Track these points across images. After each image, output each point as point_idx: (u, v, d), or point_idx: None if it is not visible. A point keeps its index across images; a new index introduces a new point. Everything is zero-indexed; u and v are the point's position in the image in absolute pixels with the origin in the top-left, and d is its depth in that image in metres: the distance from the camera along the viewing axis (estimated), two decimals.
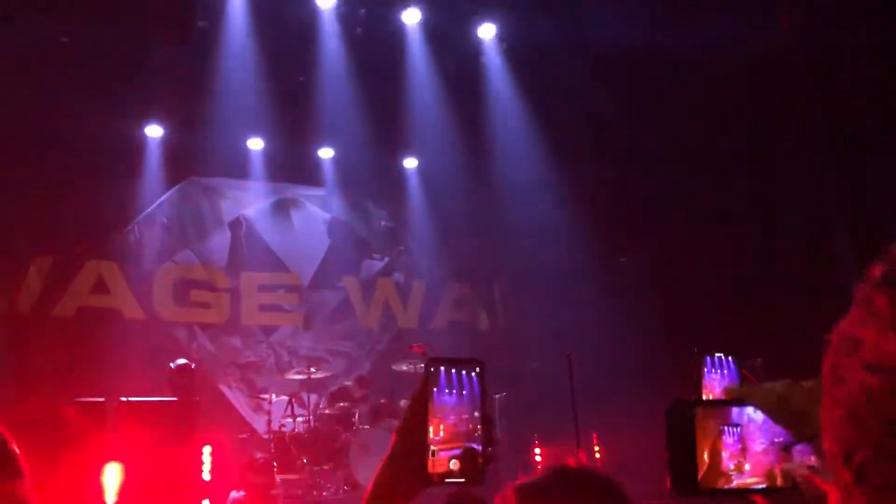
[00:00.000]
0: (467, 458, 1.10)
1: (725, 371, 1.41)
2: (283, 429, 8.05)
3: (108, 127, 8.55)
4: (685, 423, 1.03)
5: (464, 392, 1.13)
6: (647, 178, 8.49)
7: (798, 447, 1.03)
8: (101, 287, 9.03)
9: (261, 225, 10.18)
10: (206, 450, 6.69)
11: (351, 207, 10.75)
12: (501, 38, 8.66)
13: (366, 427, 7.86)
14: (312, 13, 8.27)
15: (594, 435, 7.95)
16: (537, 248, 9.26)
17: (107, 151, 8.70)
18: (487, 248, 10.24)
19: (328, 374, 8.96)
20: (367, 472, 7.41)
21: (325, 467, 7.75)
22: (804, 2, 6.84)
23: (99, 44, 7.71)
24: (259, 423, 8.86)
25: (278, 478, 7.50)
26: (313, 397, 9.04)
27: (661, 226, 8.43)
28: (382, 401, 8.25)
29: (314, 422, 8.08)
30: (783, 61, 7.12)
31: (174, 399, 6.91)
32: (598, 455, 8.04)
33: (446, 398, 1.13)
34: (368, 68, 8.60)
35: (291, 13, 8.26)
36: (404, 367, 8.36)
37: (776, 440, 1.06)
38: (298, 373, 8.53)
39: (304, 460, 7.74)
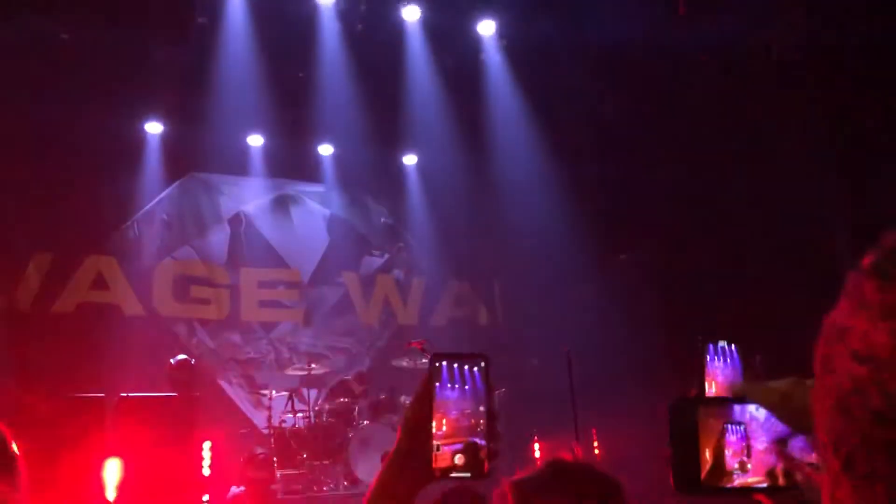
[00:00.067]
0: (470, 452, 1.11)
1: (729, 360, 1.40)
2: (283, 424, 8.06)
3: (108, 123, 8.54)
4: (688, 421, 1.03)
5: (466, 387, 1.14)
6: (646, 176, 8.49)
7: (799, 445, 1.03)
8: (100, 283, 9.03)
9: (260, 221, 10.18)
10: (206, 445, 6.71)
11: (351, 204, 10.75)
12: (501, 34, 8.65)
13: (366, 423, 7.87)
14: (312, 9, 8.25)
15: (594, 431, 7.96)
16: (537, 245, 9.26)
17: (106, 148, 8.69)
18: (487, 245, 10.24)
19: (328, 370, 8.97)
20: (367, 467, 7.42)
21: (325, 463, 7.77)
22: (804, 2, 6.84)
23: (99, 40, 7.69)
24: (259, 419, 8.88)
25: (278, 473, 7.52)
26: (313, 393, 9.06)
27: (660, 224, 8.43)
28: (382, 397, 8.27)
29: (314, 417, 8.10)
30: (783, 61, 7.12)
31: (174, 395, 6.92)
32: (597, 451, 8.06)
33: (448, 393, 1.13)
34: (368, 65, 8.59)
35: (291, 9, 8.25)
36: (404, 364, 8.38)
37: (778, 438, 1.06)
38: (298, 369, 8.55)
39: (304, 456, 7.75)
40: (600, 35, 7.46)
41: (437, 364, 1.14)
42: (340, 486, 7.56)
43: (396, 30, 8.43)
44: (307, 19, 8.24)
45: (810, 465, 1.02)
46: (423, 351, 7.74)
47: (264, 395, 8.33)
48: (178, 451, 6.47)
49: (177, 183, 9.73)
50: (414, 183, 10.78)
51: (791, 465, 1.04)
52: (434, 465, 1.10)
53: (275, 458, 7.52)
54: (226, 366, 9.59)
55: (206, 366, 9.14)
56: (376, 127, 9.15)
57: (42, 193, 8.38)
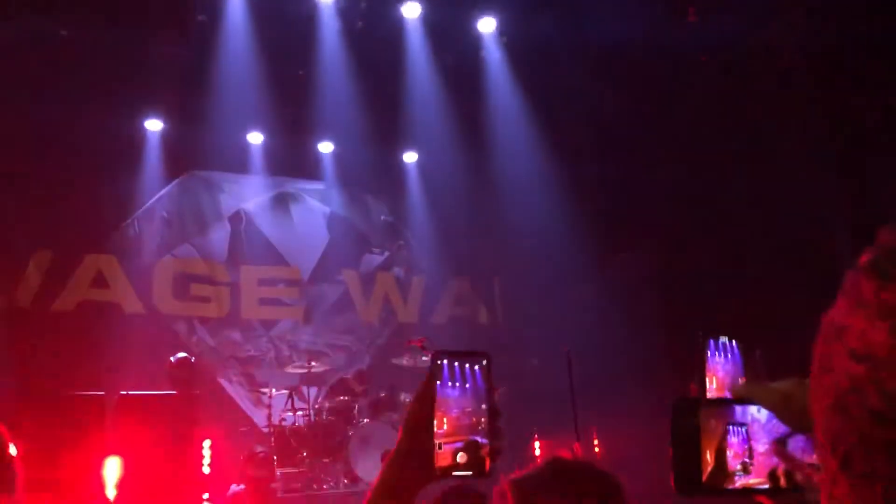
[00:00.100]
0: (471, 451, 1.11)
1: (729, 356, 1.40)
2: (283, 422, 8.07)
3: (108, 121, 8.53)
4: (689, 422, 1.03)
5: (467, 385, 1.13)
6: (646, 176, 8.49)
7: (799, 445, 1.03)
8: (100, 281, 9.02)
9: (260, 219, 10.18)
10: (207, 443, 6.71)
11: (351, 202, 10.75)
12: (501, 32, 8.64)
13: (366, 421, 7.87)
14: (312, 7, 8.24)
15: (594, 430, 7.97)
16: (537, 244, 9.26)
17: (106, 146, 8.68)
18: (487, 243, 10.24)
19: (328, 368, 8.98)
20: (367, 465, 7.43)
21: (325, 461, 7.78)
22: (804, 2, 6.83)
23: (99, 38, 7.69)
24: (259, 417, 8.88)
25: (278, 471, 7.52)
26: (313, 391, 9.07)
27: (660, 223, 8.43)
28: (382, 395, 8.27)
29: (314, 415, 8.10)
30: (783, 61, 7.11)
31: (174, 393, 6.92)
32: (597, 450, 8.07)
33: (449, 391, 1.13)
34: (368, 63, 8.58)
35: (291, 7, 8.23)
36: (404, 362, 8.38)
37: (777, 437, 1.05)
38: (298, 367, 8.55)
39: (304, 454, 7.76)
40: (601, 33, 7.45)
41: (439, 362, 1.14)
42: (340, 485, 7.57)
43: (396, 27, 8.42)
44: (307, 17, 8.23)
45: (810, 465, 1.02)
46: (422, 349, 7.74)
47: (264, 394, 8.34)
48: (178, 450, 6.48)
49: (177, 181, 9.73)
50: (414, 181, 10.78)
51: (791, 464, 1.04)
52: (436, 464, 1.10)
53: (275, 457, 7.52)
54: (226, 364, 9.59)
55: (206, 364, 9.14)
56: (376, 125, 9.14)
57: (42, 191, 8.38)
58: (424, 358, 7.44)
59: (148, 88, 8.46)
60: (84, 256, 8.95)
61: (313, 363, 8.41)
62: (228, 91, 8.42)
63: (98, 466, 6.14)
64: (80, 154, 8.47)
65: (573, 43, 7.87)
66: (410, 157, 10.75)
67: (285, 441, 7.79)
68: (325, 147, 10.28)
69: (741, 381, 1.40)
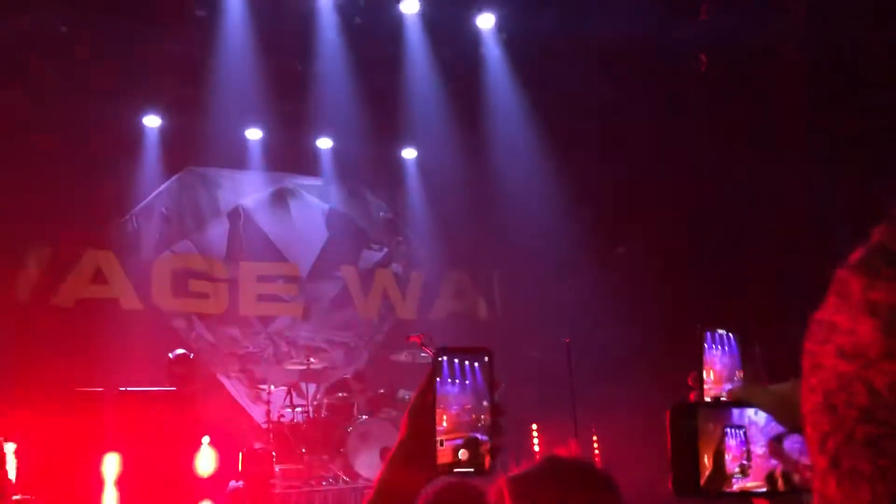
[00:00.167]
0: (471, 448, 1.10)
1: (726, 348, 1.40)
2: (282, 419, 8.08)
3: (107, 117, 8.51)
4: (687, 425, 1.03)
5: (467, 382, 1.13)
6: (646, 170, 8.48)
7: (796, 446, 1.03)
8: (99, 277, 9.02)
9: (259, 215, 10.18)
10: (205, 440, 6.72)
11: (349, 198, 10.74)
12: (500, 28, 8.63)
13: (364, 417, 7.88)
14: (311, 3, 8.23)
15: (593, 426, 7.98)
16: (536, 237, 9.27)
17: (105, 141, 8.67)
18: (486, 237, 10.24)
19: (327, 364, 8.98)
20: (366, 462, 7.44)
21: (324, 457, 7.79)
22: (805, 2, 6.83)
23: (98, 34, 7.68)
24: (258, 413, 8.89)
25: (277, 468, 7.53)
26: (312, 387, 9.08)
27: (659, 217, 8.43)
28: (381, 391, 8.28)
29: (313, 412, 8.11)
30: (784, 58, 7.11)
31: (173, 389, 6.93)
32: (595, 445, 8.08)
33: (449, 388, 1.12)
34: (367, 58, 8.58)
35: (290, 3, 8.22)
36: (403, 358, 8.39)
37: (773, 436, 1.05)
38: (297, 363, 8.56)
39: (303, 450, 7.77)
40: (599, 29, 7.44)
41: (440, 359, 1.13)
42: (339, 481, 7.58)
43: (395, 23, 8.41)
44: (306, 13, 8.22)
45: (806, 466, 1.01)
46: (421, 345, 7.74)
47: (263, 390, 8.35)
48: (176, 446, 6.48)
49: (175, 177, 9.72)
50: (413, 177, 10.78)
51: (787, 464, 1.04)
52: (437, 461, 1.10)
53: (273, 453, 7.53)
54: (224, 360, 9.59)
55: (204, 360, 9.14)
56: (375, 121, 9.14)
57: (41, 187, 8.36)
58: (423, 354, 7.44)
59: (147, 84, 8.46)
60: (83, 252, 8.95)
61: (312, 359, 8.41)
62: (227, 87, 8.41)
63: (97, 462, 6.15)
64: (79, 150, 8.45)
65: (572, 38, 7.86)
66: (409, 153, 10.74)
67: (284, 437, 7.80)
68: (324, 143, 10.28)
69: (738, 373, 1.40)
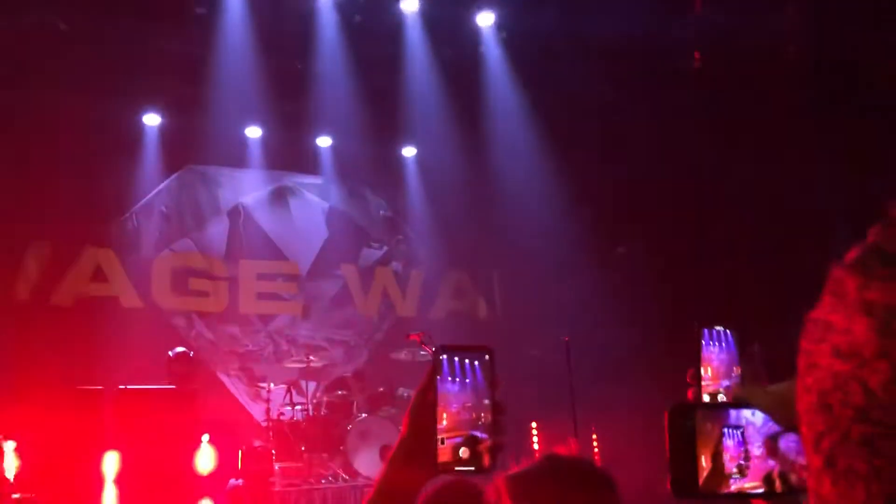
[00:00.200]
0: (471, 446, 1.10)
1: (724, 345, 1.40)
2: (282, 417, 8.08)
3: (106, 115, 8.51)
4: (685, 426, 1.03)
5: (467, 380, 1.13)
6: (647, 170, 8.48)
7: (792, 446, 1.03)
8: (99, 275, 9.02)
9: (259, 213, 10.17)
10: (205, 438, 6.71)
11: (349, 196, 10.74)
12: (500, 26, 8.63)
13: (364, 415, 7.88)
14: (311, 1, 8.23)
15: (592, 426, 7.98)
16: (536, 237, 9.27)
17: (104, 139, 8.67)
18: (486, 236, 10.24)
19: (327, 362, 8.98)
20: (365, 460, 7.44)
21: (324, 455, 7.79)
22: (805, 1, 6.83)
23: (97, 31, 7.67)
24: (257, 411, 8.89)
25: (276, 466, 7.53)
26: (312, 385, 9.08)
27: (660, 217, 8.43)
28: (381, 389, 8.28)
29: (312, 410, 8.11)
30: (784, 57, 7.11)
31: (172, 387, 6.92)
32: (595, 444, 8.08)
33: (449, 386, 1.12)
34: (367, 56, 8.57)
35: (289, 1, 8.23)
36: (403, 356, 8.39)
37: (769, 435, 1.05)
38: (297, 361, 8.56)
39: (303, 448, 7.77)
40: (600, 29, 7.44)
41: (440, 357, 1.13)
42: (339, 479, 7.58)
43: (395, 21, 8.41)
44: (305, 11, 8.22)
45: (803, 466, 1.01)
46: (421, 344, 7.73)
47: (263, 388, 8.35)
48: (176, 444, 6.48)
49: (175, 175, 9.72)
50: (413, 175, 10.77)
51: (783, 463, 1.04)
52: (438, 459, 1.10)
53: (273, 451, 7.53)
54: (224, 358, 9.60)
55: (204, 358, 9.15)
56: (375, 119, 9.13)
57: (40, 185, 8.36)
58: (423, 352, 7.44)
59: (146, 82, 8.45)
60: (83, 250, 8.95)
61: (312, 358, 8.41)
62: (227, 85, 8.41)
63: (97, 461, 6.15)
64: (79, 147, 8.45)
65: (572, 38, 7.86)
66: (409, 152, 10.74)
67: (284, 435, 7.80)
68: (324, 141, 10.27)
69: (736, 370, 1.40)
